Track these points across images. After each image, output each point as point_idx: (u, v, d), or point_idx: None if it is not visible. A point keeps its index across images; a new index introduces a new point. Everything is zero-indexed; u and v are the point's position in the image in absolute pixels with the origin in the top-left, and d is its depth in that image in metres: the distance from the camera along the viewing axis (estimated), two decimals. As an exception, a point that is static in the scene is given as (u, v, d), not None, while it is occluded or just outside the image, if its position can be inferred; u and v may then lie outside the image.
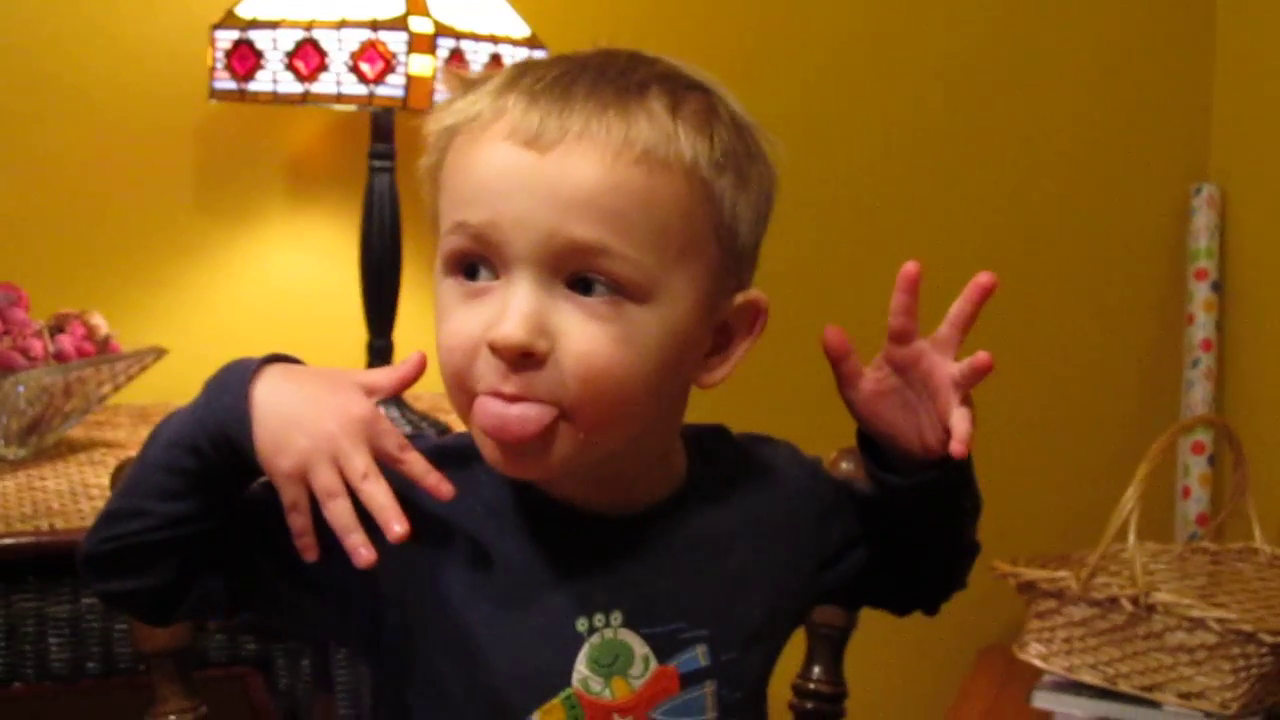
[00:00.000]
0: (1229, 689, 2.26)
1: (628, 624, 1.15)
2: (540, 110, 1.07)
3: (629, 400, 1.09)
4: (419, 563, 1.13)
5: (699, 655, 1.17)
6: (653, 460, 1.19)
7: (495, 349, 1.06)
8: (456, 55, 2.04)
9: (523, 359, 1.06)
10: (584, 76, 1.09)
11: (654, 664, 1.16)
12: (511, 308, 1.06)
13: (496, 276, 1.08)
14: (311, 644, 1.51)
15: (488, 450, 1.11)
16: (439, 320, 1.12)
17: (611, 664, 1.15)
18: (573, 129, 1.06)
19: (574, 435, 1.08)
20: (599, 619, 1.15)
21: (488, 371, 1.07)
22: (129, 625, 1.36)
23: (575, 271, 1.07)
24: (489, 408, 1.08)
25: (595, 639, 1.14)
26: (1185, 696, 2.30)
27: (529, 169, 1.06)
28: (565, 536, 1.16)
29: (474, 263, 1.09)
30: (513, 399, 1.07)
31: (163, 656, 1.35)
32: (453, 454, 1.16)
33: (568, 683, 1.14)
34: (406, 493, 1.08)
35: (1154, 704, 2.32)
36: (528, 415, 1.07)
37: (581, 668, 1.14)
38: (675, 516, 1.19)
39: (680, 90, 1.11)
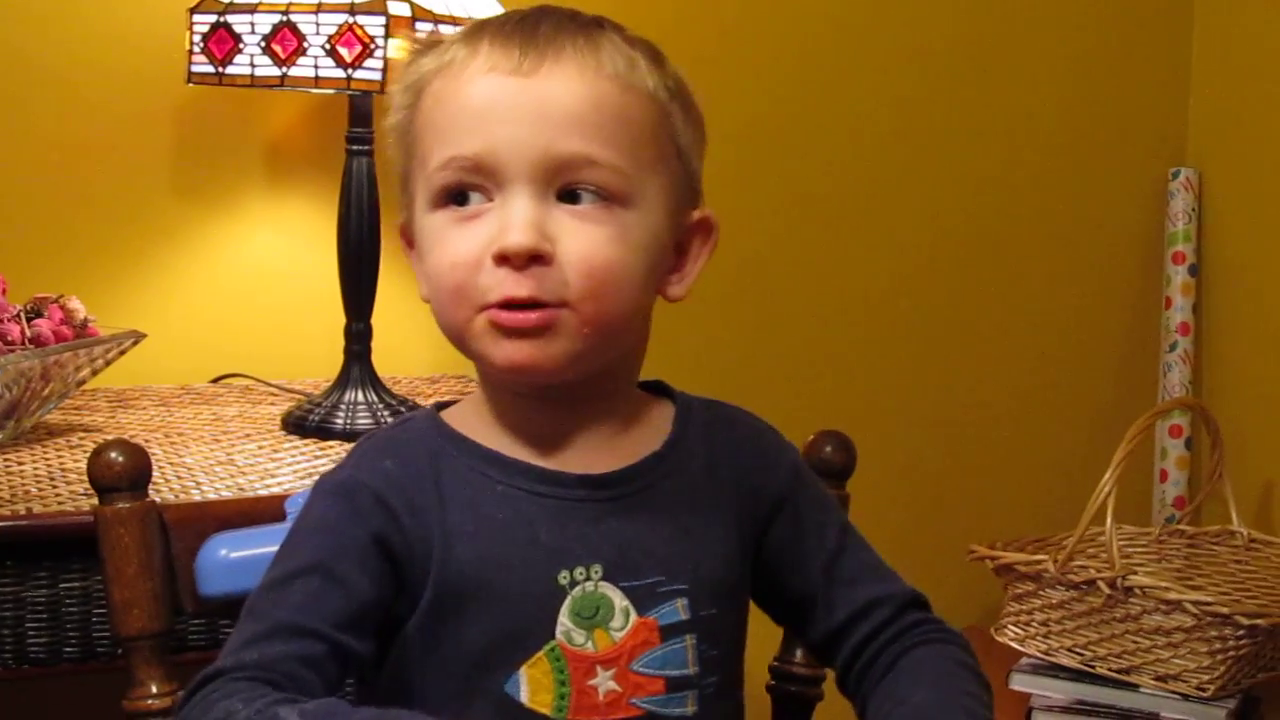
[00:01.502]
0: (1206, 671, 2.27)
1: (607, 577, 1.19)
2: (517, 44, 1.16)
3: (626, 295, 1.17)
4: (426, 551, 1.18)
5: (679, 608, 1.21)
6: (626, 398, 1.25)
7: (506, 256, 1.13)
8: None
9: (530, 263, 1.13)
10: (545, 18, 1.19)
11: (634, 616, 1.19)
12: (515, 219, 1.14)
13: (489, 199, 1.15)
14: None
15: (496, 352, 1.16)
16: (431, 248, 1.19)
17: (593, 616, 1.18)
18: (550, 54, 1.16)
19: (578, 328, 1.15)
20: (579, 572, 1.18)
21: (495, 283, 1.14)
22: (107, 609, 1.36)
23: (565, 184, 1.15)
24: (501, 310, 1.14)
25: (577, 592, 1.18)
26: (1162, 679, 2.31)
27: (517, 93, 1.15)
28: (545, 495, 1.20)
29: (463, 192, 1.17)
30: (526, 301, 1.13)
31: (141, 640, 1.35)
32: (417, 438, 1.22)
33: (551, 635, 1.17)
34: (402, 484, 1.17)
35: (1131, 686, 2.33)
36: (534, 311, 1.14)
37: (564, 620, 1.17)
38: (654, 474, 1.23)
39: (626, 31, 1.22)
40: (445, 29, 2.05)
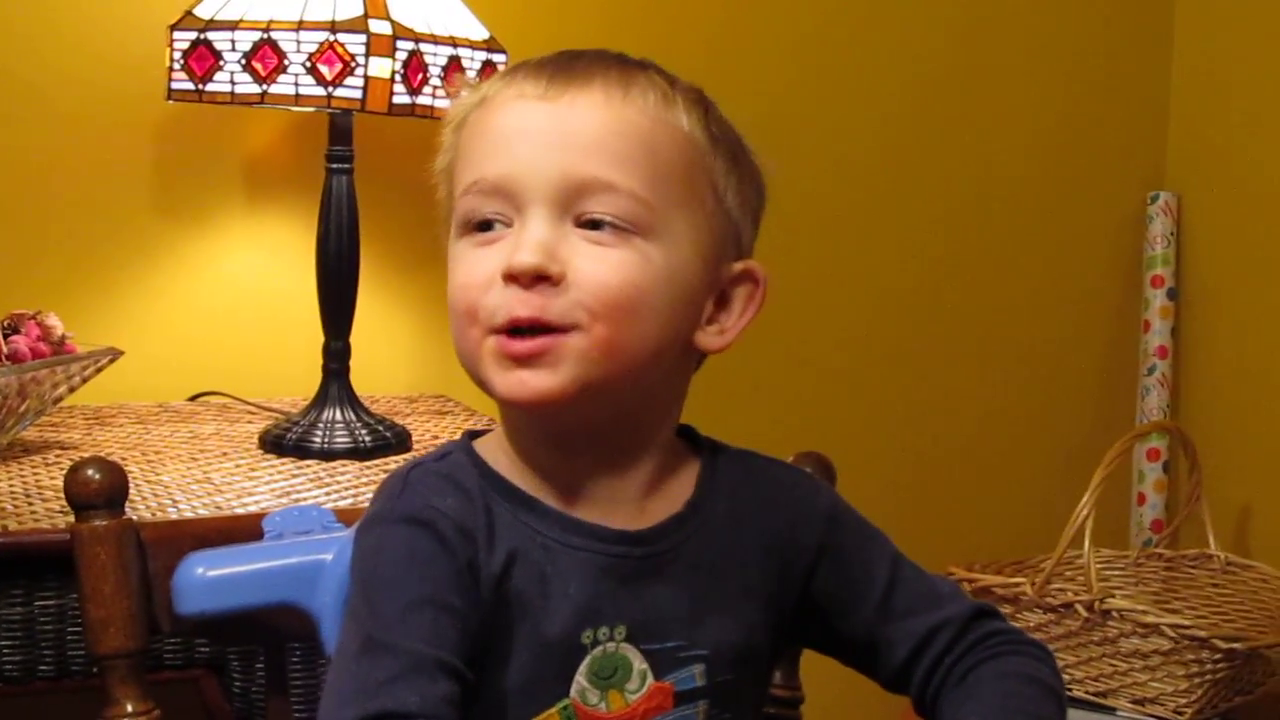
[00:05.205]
0: (1183, 695, 2.27)
1: (630, 638, 1.17)
2: (548, 72, 1.16)
3: (642, 324, 1.14)
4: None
5: (696, 675, 1.19)
6: (656, 454, 1.21)
7: (511, 274, 1.11)
8: (415, 58, 2.03)
9: (537, 282, 1.11)
10: (586, 55, 1.18)
11: (651, 680, 1.17)
12: (525, 239, 1.12)
13: (509, 226, 1.14)
14: (266, 646, 1.50)
15: (498, 380, 1.14)
16: (451, 274, 1.17)
17: (610, 677, 1.16)
18: (578, 82, 1.15)
19: (587, 351, 1.12)
20: (603, 632, 1.16)
21: (502, 303, 1.12)
22: (83, 627, 1.35)
23: (583, 209, 1.13)
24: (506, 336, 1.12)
25: (597, 651, 1.16)
26: (1139, 702, 2.31)
27: (541, 116, 1.14)
28: (580, 548, 1.17)
29: (487, 220, 1.15)
30: (529, 323, 1.11)
31: (117, 659, 1.34)
32: (465, 476, 1.18)
33: (566, 693, 1.15)
34: (465, 520, 1.14)
35: (1108, 709, 2.33)
36: (537, 337, 1.12)
37: (581, 679, 1.15)
38: (681, 533, 1.20)
39: (674, 77, 1.19)
40: (425, 47, 2.05)
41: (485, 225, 1.15)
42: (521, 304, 1.11)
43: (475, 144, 1.17)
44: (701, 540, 1.21)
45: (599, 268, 1.12)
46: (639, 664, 1.17)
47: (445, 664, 1.08)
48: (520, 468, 1.19)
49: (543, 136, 1.13)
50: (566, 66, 1.16)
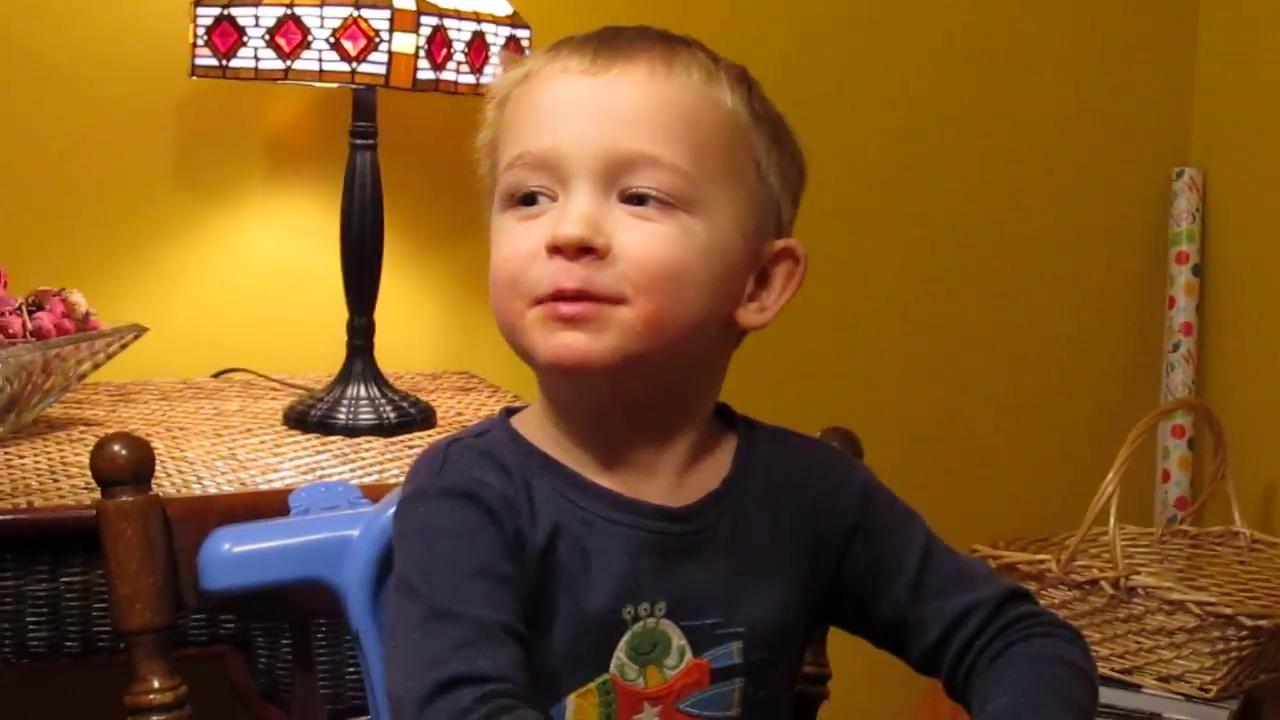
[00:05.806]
0: (1208, 672, 2.27)
1: (669, 614, 1.17)
2: (592, 48, 1.17)
3: (686, 297, 1.14)
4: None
5: (733, 652, 1.19)
6: (695, 430, 1.22)
7: (556, 246, 1.12)
8: (439, 34, 2.03)
9: (581, 254, 1.12)
10: (630, 30, 1.20)
11: (689, 656, 1.18)
12: (570, 211, 1.13)
13: (554, 200, 1.14)
14: (292, 622, 1.50)
15: (543, 343, 1.14)
16: (493, 246, 1.18)
17: (649, 653, 1.17)
18: (622, 57, 1.16)
19: (632, 325, 1.12)
20: (644, 608, 1.17)
21: (547, 274, 1.12)
22: (109, 603, 1.35)
23: (628, 184, 1.14)
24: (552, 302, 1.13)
25: (638, 627, 1.16)
26: (1164, 679, 2.30)
27: (586, 91, 1.15)
28: (622, 523, 1.17)
29: (532, 193, 1.16)
30: (575, 293, 1.12)
31: (144, 635, 1.34)
32: (505, 452, 1.18)
33: (605, 668, 1.16)
34: (508, 494, 1.14)
35: (1134, 686, 2.32)
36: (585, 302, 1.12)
37: (620, 654, 1.16)
38: (718, 510, 1.21)
39: (718, 55, 1.21)
40: (449, 23, 2.05)
41: (529, 199, 1.15)
42: (566, 275, 1.12)
43: (520, 118, 1.18)
44: (738, 518, 1.21)
45: (643, 241, 1.12)
46: (678, 640, 1.17)
47: (510, 628, 1.09)
48: (559, 442, 1.20)
49: (587, 111, 1.14)
50: (611, 42, 1.17)
